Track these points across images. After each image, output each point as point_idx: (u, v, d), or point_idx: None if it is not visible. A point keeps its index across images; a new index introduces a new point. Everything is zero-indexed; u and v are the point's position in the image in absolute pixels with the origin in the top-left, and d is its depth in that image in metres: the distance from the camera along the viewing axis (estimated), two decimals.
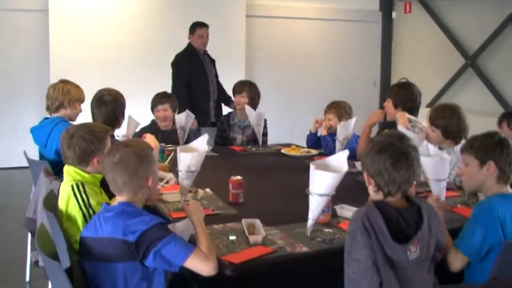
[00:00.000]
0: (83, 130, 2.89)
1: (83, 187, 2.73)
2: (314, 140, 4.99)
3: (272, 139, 5.50)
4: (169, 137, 4.89)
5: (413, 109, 4.36)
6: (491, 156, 2.67)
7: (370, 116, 4.52)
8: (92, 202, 2.69)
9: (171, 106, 4.99)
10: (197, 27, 6.21)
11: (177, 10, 7.29)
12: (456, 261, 2.55)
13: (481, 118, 7.57)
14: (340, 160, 2.70)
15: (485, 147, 2.70)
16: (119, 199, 2.44)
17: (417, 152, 2.40)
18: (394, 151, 2.32)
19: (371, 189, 2.42)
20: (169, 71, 6.88)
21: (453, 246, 2.57)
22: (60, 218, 2.72)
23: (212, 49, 7.50)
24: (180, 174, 2.97)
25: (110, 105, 3.99)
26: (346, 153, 2.75)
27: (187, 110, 4.84)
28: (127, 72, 6.91)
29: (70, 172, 2.83)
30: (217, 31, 7.53)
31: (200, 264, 2.28)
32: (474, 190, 2.86)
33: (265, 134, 5.34)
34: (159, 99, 5.01)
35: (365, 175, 2.43)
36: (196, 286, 2.60)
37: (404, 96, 4.39)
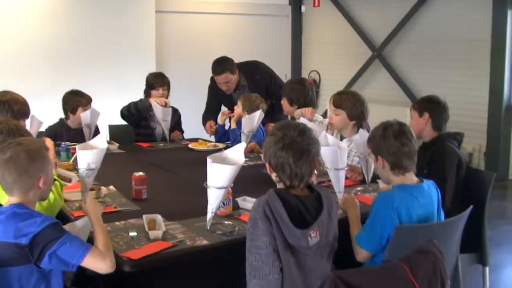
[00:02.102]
0: (13, 123, 2.94)
1: None
2: (221, 133, 5.01)
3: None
4: (78, 135, 4.79)
5: (308, 103, 4.48)
6: (379, 151, 2.78)
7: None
8: None
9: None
10: (213, 74, 5.33)
11: (84, 4, 7.14)
12: (361, 255, 2.66)
13: (388, 108, 7.83)
14: (237, 152, 2.74)
15: (374, 141, 2.81)
16: (10, 200, 2.37)
17: (318, 145, 2.47)
18: (296, 149, 2.36)
19: (273, 178, 2.47)
20: (77, 67, 6.77)
21: (356, 242, 2.67)
22: None
23: (121, 45, 7.44)
24: (80, 172, 2.92)
25: None
26: (243, 145, 2.80)
27: (92, 107, 4.74)
28: (32, 70, 6.71)
29: None
30: (126, 27, 7.46)
31: (97, 263, 2.25)
32: (386, 181, 2.97)
33: (179, 123, 5.35)
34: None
35: (267, 165, 2.48)
36: (101, 285, 2.59)
37: (297, 92, 4.51)
